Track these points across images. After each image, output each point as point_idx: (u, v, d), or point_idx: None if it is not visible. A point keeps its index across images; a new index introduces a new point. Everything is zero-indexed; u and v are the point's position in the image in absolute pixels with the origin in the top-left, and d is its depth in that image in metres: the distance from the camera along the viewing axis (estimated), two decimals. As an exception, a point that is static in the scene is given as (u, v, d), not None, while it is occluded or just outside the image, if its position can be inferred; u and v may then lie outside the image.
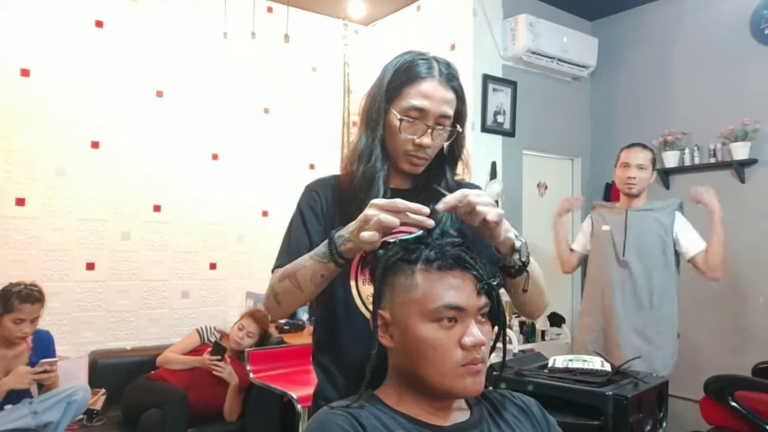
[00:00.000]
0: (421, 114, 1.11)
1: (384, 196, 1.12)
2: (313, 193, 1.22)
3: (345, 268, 1.04)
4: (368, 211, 0.94)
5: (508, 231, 1.00)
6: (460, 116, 1.17)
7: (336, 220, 1.16)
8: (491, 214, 0.95)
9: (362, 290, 1.12)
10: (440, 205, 0.95)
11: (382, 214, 0.92)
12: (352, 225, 0.98)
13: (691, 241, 2.65)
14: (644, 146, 2.76)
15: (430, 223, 0.93)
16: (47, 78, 3.26)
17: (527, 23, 3.60)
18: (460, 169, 1.25)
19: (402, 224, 0.93)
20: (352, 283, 1.12)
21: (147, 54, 3.57)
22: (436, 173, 1.20)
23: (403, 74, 1.14)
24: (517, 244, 1.01)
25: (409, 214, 0.93)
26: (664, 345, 2.64)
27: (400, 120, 1.11)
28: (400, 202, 0.93)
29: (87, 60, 3.38)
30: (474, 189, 1.01)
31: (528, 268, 1.04)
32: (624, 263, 2.70)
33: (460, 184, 1.21)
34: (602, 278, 2.78)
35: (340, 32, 4.26)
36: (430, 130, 1.12)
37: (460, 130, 1.18)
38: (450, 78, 1.15)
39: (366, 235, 0.92)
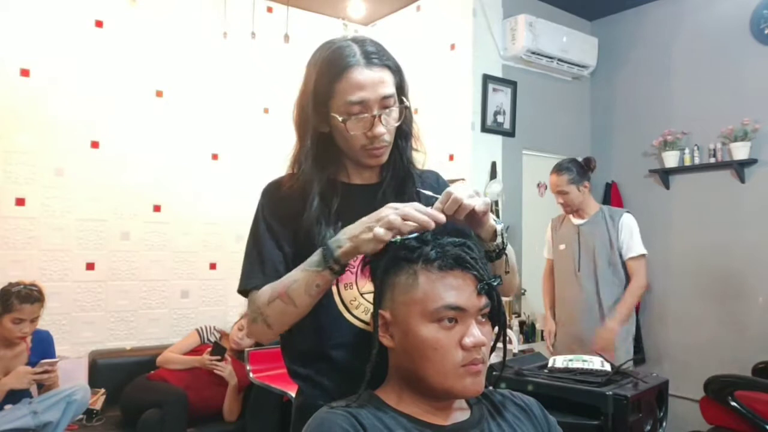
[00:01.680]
0: (362, 106, 1.03)
1: (333, 196, 1.09)
2: (275, 198, 1.14)
3: (340, 274, 1.00)
4: (390, 215, 0.92)
5: (488, 221, 1.01)
6: (401, 89, 1.10)
7: (285, 222, 1.10)
8: (479, 204, 0.95)
9: (344, 295, 1.08)
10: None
11: (408, 223, 0.91)
12: (351, 228, 0.96)
13: (626, 247, 2.78)
14: (559, 170, 2.84)
15: (431, 225, 0.92)
16: (47, 78, 3.26)
17: (527, 23, 3.60)
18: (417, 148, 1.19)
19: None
20: (334, 289, 1.07)
21: (147, 54, 3.57)
22: (395, 159, 1.14)
23: (328, 71, 1.05)
24: (499, 228, 1.02)
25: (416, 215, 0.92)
26: (621, 356, 2.68)
27: (344, 121, 1.04)
28: (413, 210, 0.92)
29: (87, 60, 3.38)
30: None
31: (506, 250, 1.06)
32: (579, 277, 2.84)
33: (423, 174, 1.20)
34: (566, 294, 2.93)
35: (340, 32, 4.26)
36: (378, 118, 1.05)
37: (408, 104, 1.10)
38: (379, 56, 1.06)
39: (380, 231, 0.90)
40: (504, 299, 0.99)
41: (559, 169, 2.86)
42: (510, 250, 1.09)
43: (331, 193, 1.09)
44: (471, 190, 0.97)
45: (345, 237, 0.96)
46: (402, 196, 1.12)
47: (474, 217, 0.98)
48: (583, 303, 2.82)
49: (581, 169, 2.86)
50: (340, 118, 1.04)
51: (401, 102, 1.09)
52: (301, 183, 1.08)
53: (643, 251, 2.79)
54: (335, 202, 1.09)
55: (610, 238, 2.79)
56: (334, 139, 1.10)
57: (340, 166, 1.14)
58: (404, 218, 0.91)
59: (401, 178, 1.15)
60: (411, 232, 0.92)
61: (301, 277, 0.99)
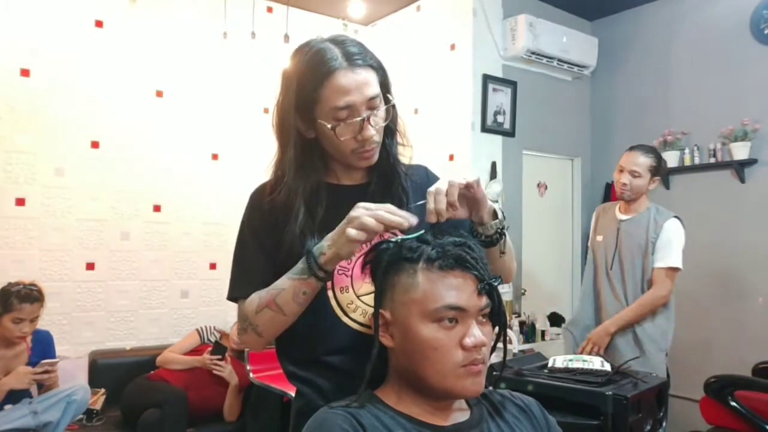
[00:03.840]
0: (349, 111, 1.01)
1: (318, 203, 1.08)
2: (260, 206, 1.11)
3: (326, 280, 1.00)
4: (363, 217, 0.92)
5: (484, 195, 1.02)
6: (385, 86, 1.07)
7: (271, 229, 1.09)
8: (469, 178, 0.97)
9: (340, 299, 1.07)
10: (432, 218, 0.96)
11: (374, 222, 0.91)
12: (332, 233, 0.97)
13: (661, 254, 2.54)
14: (646, 151, 2.63)
15: (405, 225, 0.93)
16: (47, 78, 3.26)
17: (527, 23, 3.60)
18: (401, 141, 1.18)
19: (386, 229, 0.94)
20: (330, 294, 1.06)
21: (147, 54, 3.57)
22: (381, 157, 1.12)
23: (310, 78, 1.02)
24: (496, 206, 1.04)
25: (388, 217, 0.93)
26: (650, 362, 2.52)
27: (333, 128, 1.02)
28: (385, 213, 0.92)
29: (87, 60, 3.38)
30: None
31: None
32: (610, 276, 2.69)
33: (410, 168, 1.19)
34: (597, 287, 2.77)
35: (340, 32, 4.26)
36: (367, 121, 1.03)
37: (393, 101, 1.08)
38: (360, 56, 1.04)
39: (352, 233, 0.91)
40: (504, 298, 0.99)
41: (644, 149, 2.62)
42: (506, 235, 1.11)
43: (316, 202, 1.08)
44: (448, 178, 0.98)
45: (326, 244, 0.97)
46: (389, 194, 1.13)
47: (469, 197, 1.00)
48: (615, 302, 2.65)
49: (660, 165, 2.64)
50: (328, 126, 1.02)
51: (386, 100, 1.07)
52: (284, 194, 1.07)
53: (676, 264, 2.52)
54: (320, 212, 1.08)
55: (647, 240, 2.56)
56: (321, 144, 1.09)
57: (327, 169, 1.13)
58: (377, 219, 0.92)
59: (388, 176, 1.15)
60: (388, 230, 0.94)
61: (288, 285, 1.00)
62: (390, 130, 1.13)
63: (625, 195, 2.64)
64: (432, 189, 0.97)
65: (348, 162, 1.09)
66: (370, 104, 1.03)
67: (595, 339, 2.61)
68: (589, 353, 2.56)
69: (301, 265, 0.99)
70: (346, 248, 0.94)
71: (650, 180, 2.61)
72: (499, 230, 1.05)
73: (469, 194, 1.00)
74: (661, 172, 2.66)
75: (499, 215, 1.05)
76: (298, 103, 1.04)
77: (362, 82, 1.02)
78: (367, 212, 0.92)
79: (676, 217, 2.60)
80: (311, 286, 0.99)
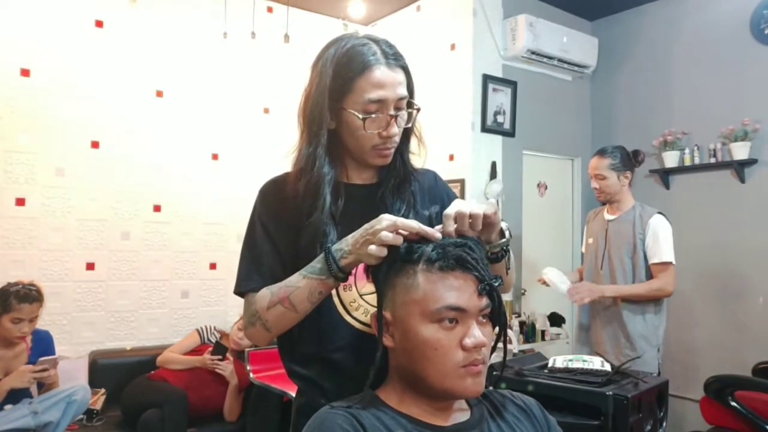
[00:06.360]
0: (380, 105, 1.04)
1: (338, 196, 1.08)
2: (275, 197, 1.12)
3: (344, 280, 1.00)
4: (377, 226, 0.92)
5: (500, 221, 1.02)
6: (410, 91, 1.10)
7: (284, 223, 1.09)
8: (487, 209, 0.96)
9: (344, 297, 1.08)
10: (440, 233, 0.94)
11: (392, 236, 0.91)
12: (352, 238, 0.96)
13: (652, 251, 2.59)
14: (602, 153, 2.70)
15: (438, 237, 0.94)
16: (47, 78, 3.26)
17: (527, 23, 3.60)
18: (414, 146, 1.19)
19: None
20: (333, 291, 1.06)
21: (147, 54, 3.57)
22: (395, 159, 1.13)
23: (347, 67, 1.04)
24: (504, 225, 1.04)
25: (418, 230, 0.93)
26: (642, 358, 2.52)
27: (363, 119, 1.04)
28: (415, 225, 0.92)
29: (87, 60, 3.38)
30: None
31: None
32: (601, 275, 2.73)
33: (416, 172, 1.18)
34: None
35: (340, 32, 4.26)
36: (394, 119, 1.06)
37: (419, 107, 1.11)
38: (396, 57, 1.07)
39: (374, 249, 0.91)
40: (504, 299, 0.99)
41: (602, 152, 2.70)
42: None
43: (336, 194, 1.09)
44: (472, 202, 0.97)
45: (347, 248, 0.96)
46: (399, 195, 1.13)
47: (488, 221, 0.98)
48: (607, 302, 2.68)
49: (626, 158, 2.69)
50: (360, 116, 1.04)
51: (409, 104, 1.10)
52: (314, 181, 1.06)
53: (668, 258, 2.56)
54: (341, 203, 1.08)
55: (635, 239, 2.62)
56: (339, 137, 1.10)
57: (341, 165, 1.13)
58: (407, 229, 0.92)
59: (400, 178, 1.15)
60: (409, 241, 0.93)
61: (304, 284, 0.99)
62: (407, 134, 1.14)
63: (601, 198, 2.75)
64: (450, 212, 0.94)
65: (364, 158, 1.10)
66: (399, 104, 1.06)
67: (586, 292, 2.61)
68: (577, 301, 2.64)
69: (318, 264, 0.99)
70: (371, 260, 0.94)
71: (618, 176, 2.68)
72: (504, 248, 1.05)
73: (485, 222, 0.98)
74: (630, 165, 2.72)
75: (506, 234, 1.05)
76: (331, 91, 1.05)
77: (397, 81, 1.06)
78: (389, 224, 0.91)
79: (660, 213, 2.66)
80: (328, 287, 0.99)
